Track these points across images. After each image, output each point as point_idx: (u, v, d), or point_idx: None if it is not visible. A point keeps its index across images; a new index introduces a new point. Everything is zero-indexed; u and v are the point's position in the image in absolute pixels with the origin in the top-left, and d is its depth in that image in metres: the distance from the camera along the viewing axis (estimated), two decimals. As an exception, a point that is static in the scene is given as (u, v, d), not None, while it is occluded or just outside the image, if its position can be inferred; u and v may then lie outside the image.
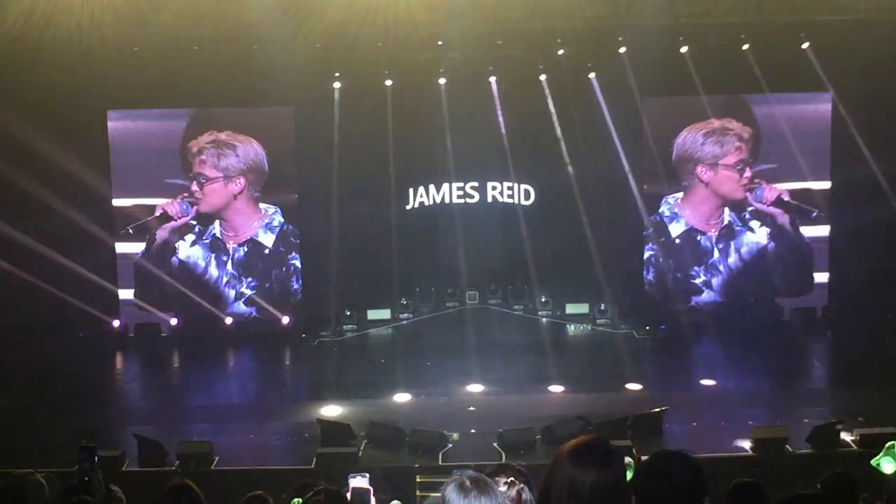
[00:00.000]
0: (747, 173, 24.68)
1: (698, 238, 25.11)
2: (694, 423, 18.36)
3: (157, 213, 24.56)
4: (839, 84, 23.44)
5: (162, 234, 24.68)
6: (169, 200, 24.54)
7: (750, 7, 22.30)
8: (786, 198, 24.69)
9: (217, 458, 16.67)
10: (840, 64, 22.76)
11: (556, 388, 20.41)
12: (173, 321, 24.59)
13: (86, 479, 7.18)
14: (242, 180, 24.63)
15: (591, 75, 24.25)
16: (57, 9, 20.25)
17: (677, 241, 25.15)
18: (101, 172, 23.93)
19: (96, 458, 7.37)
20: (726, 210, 24.97)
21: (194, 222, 24.77)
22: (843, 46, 22.33)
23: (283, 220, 24.91)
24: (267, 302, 24.98)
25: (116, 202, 24.37)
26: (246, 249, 25.01)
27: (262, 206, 24.86)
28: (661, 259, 25.10)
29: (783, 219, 24.88)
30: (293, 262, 25.10)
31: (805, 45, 22.89)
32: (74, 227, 23.61)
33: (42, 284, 23.30)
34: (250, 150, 24.51)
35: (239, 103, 23.78)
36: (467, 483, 4.32)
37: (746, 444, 16.71)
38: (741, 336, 23.54)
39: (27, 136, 22.40)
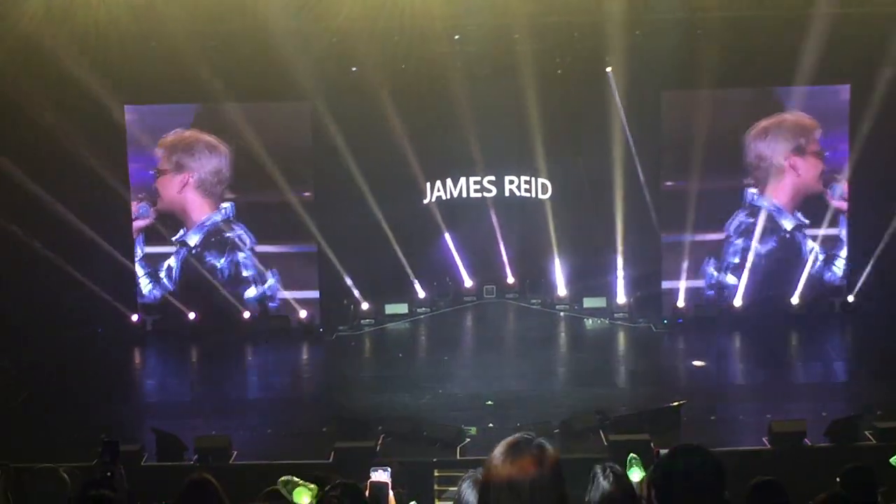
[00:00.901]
0: (821, 166, 24.40)
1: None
2: (712, 417, 18.33)
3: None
4: (859, 75, 23.30)
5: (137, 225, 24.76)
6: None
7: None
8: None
9: (235, 453, 16.71)
10: (860, 55, 22.61)
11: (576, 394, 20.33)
12: (192, 315, 24.64)
13: (108, 473, 7.20)
14: (195, 175, 24.56)
15: (608, 69, 24.18)
16: (73, 5, 20.29)
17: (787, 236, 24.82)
18: (118, 166, 23.98)
19: (118, 453, 7.40)
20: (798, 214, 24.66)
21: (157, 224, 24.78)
22: (863, 38, 22.19)
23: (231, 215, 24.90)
24: (274, 294, 25.03)
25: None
26: (245, 247, 25.02)
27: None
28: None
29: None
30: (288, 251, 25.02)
31: (821, 37, 22.78)
32: (93, 222, 23.64)
33: (59, 279, 23.37)
34: (207, 152, 24.52)
35: (255, 98, 23.80)
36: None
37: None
38: (758, 329, 23.45)
39: (45, 131, 22.48)
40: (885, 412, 17.31)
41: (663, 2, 22.05)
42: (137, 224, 24.62)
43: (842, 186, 24.35)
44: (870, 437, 16.52)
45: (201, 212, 24.79)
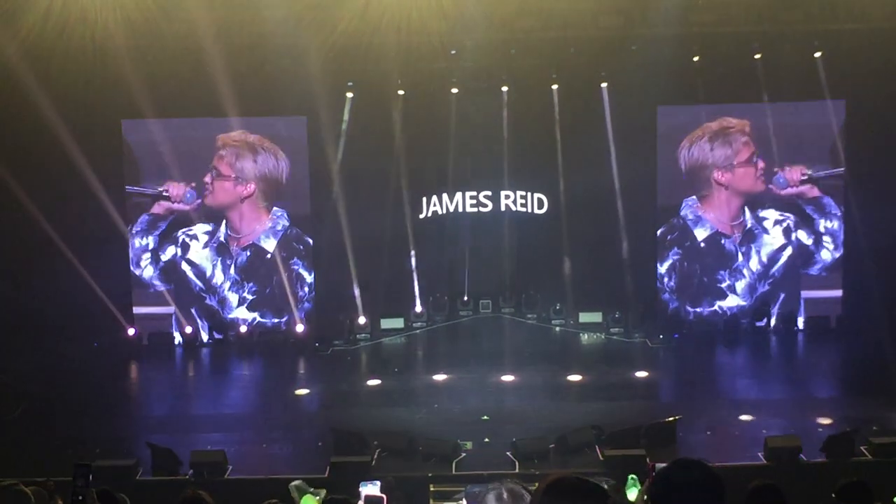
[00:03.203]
0: (760, 164, 24.57)
1: (722, 241, 25.01)
2: (708, 432, 18.34)
3: (160, 190, 24.62)
4: (851, 92, 23.38)
5: (157, 209, 24.71)
6: (176, 183, 24.65)
7: (763, 16, 22.26)
8: (807, 172, 24.54)
9: (230, 467, 16.70)
10: (852, 72, 22.67)
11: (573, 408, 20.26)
12: (188, 329, 24.64)
13: (80, 497, 7.15)
14: (252, 186, 24.70)
15: (604, 85, 24.25)
16: (71, 19, 20.32)
17: (702, 244, 25.05)
18: (115, 181, 24.02)
19: (90, 477, 7.35)
20: (746, 210, 24.87)
21: (200, 215, 24.84)
22: (856, 55, 22.24)
23: (287, 223, 24.96)
24: (268, 308, 25.02)
25: (131, 203, 24.55)
26: (248, 254, 25.10)
27: (274, 209, 24.94)
28: (685, 264, 25.03)
29: (813, 192, 24.64)
30: (294, 267, 25.09)
31: (817, 55, 22.84)
32: (88, 236, 23.69)
33: (56, 292, 23.38)
34: (270, 160, 24.59)
35: (252, 113, 23.86)
36: (505, 496, 4.31)
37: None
38: (754, 344, 23.49)
39: (42, 144, 22.52)
40: (880, 428, 17.33)
41: (659, 17, 22.09)
42: (168, 206, 24.73)
43: (784, 174, 24.58)
44: (865, 452, 16.54)
45: (250, 220, 25.01)
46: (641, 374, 22.35)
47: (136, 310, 24.76)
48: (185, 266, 25.00)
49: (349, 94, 24.18)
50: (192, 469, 16.49)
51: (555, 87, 24.42)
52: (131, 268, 24.70)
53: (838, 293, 24.81)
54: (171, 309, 24.79)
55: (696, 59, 23.14)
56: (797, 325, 24.76)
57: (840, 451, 16.40)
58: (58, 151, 22.65)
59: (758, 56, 22.95)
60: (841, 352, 23.75)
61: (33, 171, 22.88)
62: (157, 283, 24.97)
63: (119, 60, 21.51)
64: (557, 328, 25.60)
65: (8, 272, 23.35)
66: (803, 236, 24.83)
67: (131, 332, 24.52)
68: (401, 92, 24.12)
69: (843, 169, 24.24)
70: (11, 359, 21.97)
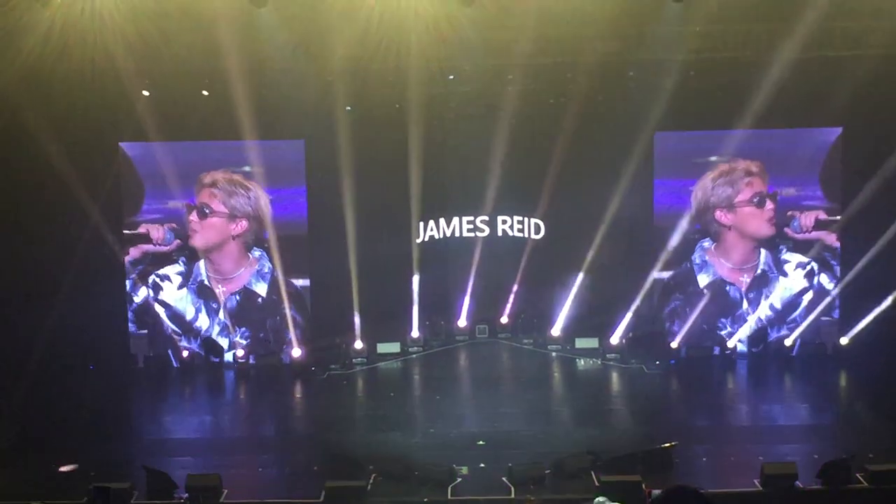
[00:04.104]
0: (768, 206, 24.54)
1: (727, 289, 24.97)
2: (704, 459, 18.30)
3: (139, 231, 24.51)
4: (851, 118, 23.45)
5: (134, 252, 24.61)
6: (154, 225, 24.55)
7: (761, 42, 22.31)
8: (823, 217, 24.52)
9: (226, 491, 16.64)
10: (852, 98, 22.70)
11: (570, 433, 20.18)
12: (185, 353, 24.62)
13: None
14: (245, 223, 24.65)
15: (601, 109, 24.27)
16: (70, 42, 20.37)
17: (705, 291, 25.02)
18: (112, 203, 24.07)
19: (108, 499, 7.37)
20: (762, 253, 24.82)
21: (178, 255, 24.71)
22: (855, 81, 22.28)
23: (271, 265, 24.86)
24: (261, 352, 24.95)
25: (127, 231, 24.54)
26: (238, 298, 25.00)
27: (253, 250, 24.88)
28: (686, 309, 25.05)
29: (830, 238, 24.62)
30: (287, 311, 25.01)
31: (816, 81, 22.88)
32: (85, 259, 23.69)
33: (51, 315, 23.39)
34: (261, 196, 24.58)
35: (250, 136, 23.88)
36: None
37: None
38: (752, 371, 23.47)
39: (40, 167, 22.56)
40: (877, 455, 17.30)
41: (657, 43, 22.15)
42: (147, 247, 24.61)
43: (799, 219, 24.55)
44: (861, 479, 16.50)
45: (236, 262, 24.95)
46: (638, 399, 22.32)
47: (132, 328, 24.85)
48: (157, 308, 24.92)
49: (347, 118, 24.18)
50: (187, 493, 16.43)
51: (551, 112, 24.48)
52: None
53: (835, 315, 24.89)
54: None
55: (692, 85, 23.15)
56: (792, 352, 24.76)
57: (837, 479, 16.37)
58: (55, 174, 22.73)
59: (753, 82, 22.97)
60: (838, 377, 23.74)
61: (28, 189, 22.88)
62: (131, 326, 24.94)
63: (118, 83, 21.55)
64: (554, 353, 25.61)
65: (4, 297, 23.31)
66: (825, 280, 24.82)
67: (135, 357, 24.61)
68: (399, 116, 24.13)
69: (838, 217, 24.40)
70: (5, 382, 21.94)
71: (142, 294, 24.76)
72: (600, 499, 13.99)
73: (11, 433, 19.91)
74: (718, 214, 24.65)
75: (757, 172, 24.44)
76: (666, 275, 25.05)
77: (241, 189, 24.48)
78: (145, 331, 24.86)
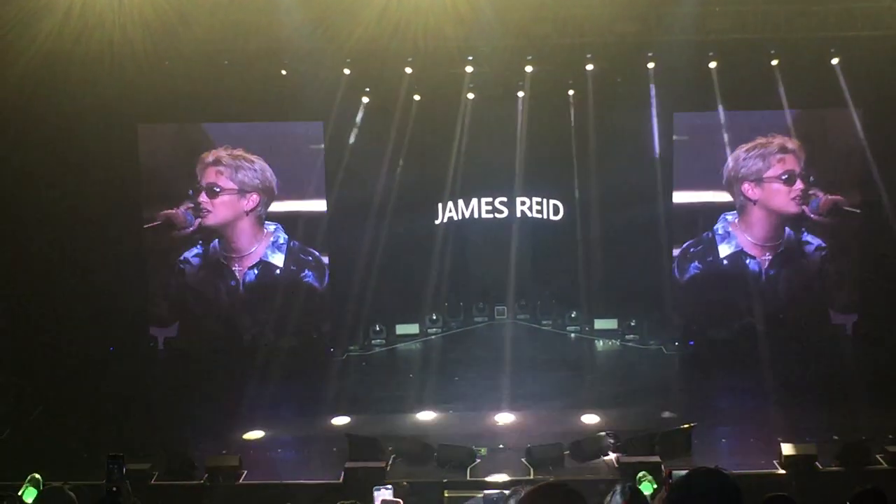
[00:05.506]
0: (798, 185, 24.30)
1: (747, 261, 24.83)
2: (723, 440, 18.28)
3: (159, 222, 24.52)
4: (869, 100, 23.28)
5: (158, 237, 24.64)
6: (173, 210, 24.58)
7: (779, 23, 22.14)
8: (844, 206, 24.31)
9: (245, 472, 16.70)
10: (870, 80, 22.55)
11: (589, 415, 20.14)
12: (203, 334, 24.68)
13: (114, 489, 7.21)
14: (256, 197, 24.62)
15: (620, 91, 24.18)
16: (88, 25, 20.33)
17: (724, 262, 24.90)
18: (132, 186, 24.12)
19: (124, 469, 7.39)
20: (786, 231, 24.65)
21: (197, 236, 24.74)
22: (874, 63, 22.11)
23: (286, 236, 24.86)
24: (283, 323, 24.91)
25: (147, 214, 24.56)
26: (257, 272, 24.99)
27: (266, 224, 24.84)
28: (704, 279, 24.93)
29: (848, 222, 24.40)
30: (306, 280, 25.02)
31: (835, 61, 22.71)
32: (104, 241, 23.76)
33: (72, 296, 23.49)
34: (266, 168, 24.55)
35: (268, 118, 23.93)
36: None
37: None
38: (769, 351, 23.36)
39: (59, 150, 22.60)
40: (896, 436, 17.27)
41: (676, 24, 22.02)
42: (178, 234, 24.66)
43: (820, 199, 24.36)
44: (881, 460, 16.46)
45: (251, 237, 24.92)
46: (656, 380, 22.29)
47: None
48: (178, 289, 24.98)
49: (365, 100, 24.18)
50: (207, 474, 16.51)
51: (570, 92, 24.43)
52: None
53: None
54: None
55: (712, 65, 23.04)
56: (810, 333, 24.59)
57: (856, 460, 16.35)
58: (74, 157, 22.81)
59: (775, 63, 22.82)
60: (857, 359, 23.61)
61: (46, 171, 22.92)
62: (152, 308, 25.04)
63: (137, 65, 21.54)
64: (573, 335, 25.60)
65: (21, 279, 23.36)
66: (842, 263, 24.72)
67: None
68: (417, 97, 24.13)
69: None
70: (27, 362, 22.03)
71: (163, 276, 24.79)
72: (641, 475, 13.85)
73: (34, 411, 20.07)
74: (746, 187, 24.44)
75: (792, 150, 24.19)
76: (686, 244, 24.93)
77: (246, 163, 24.44)
78: (166, 313, 24.88)
